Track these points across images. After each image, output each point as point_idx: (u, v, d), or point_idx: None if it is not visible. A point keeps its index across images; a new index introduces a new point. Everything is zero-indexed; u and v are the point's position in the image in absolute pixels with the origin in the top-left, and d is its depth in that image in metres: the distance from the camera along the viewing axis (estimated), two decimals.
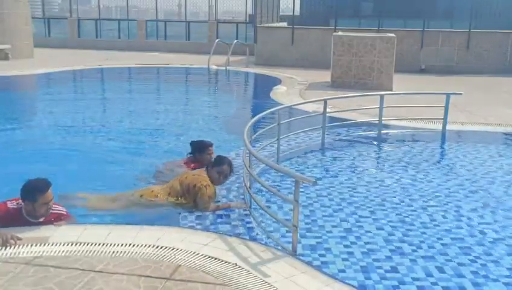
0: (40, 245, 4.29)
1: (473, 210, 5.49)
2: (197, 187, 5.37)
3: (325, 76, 14.27)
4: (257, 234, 4.76)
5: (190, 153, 6.59)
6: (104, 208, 5.46)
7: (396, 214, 5.32)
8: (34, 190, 4.57)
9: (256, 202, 5.04)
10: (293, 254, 4.28)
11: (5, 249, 4.21)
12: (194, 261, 4.08)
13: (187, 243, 4.39)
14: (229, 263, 4.09)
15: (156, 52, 20.95)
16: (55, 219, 4.75)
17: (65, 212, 4.88)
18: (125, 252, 4.21)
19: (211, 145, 6.57)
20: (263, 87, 14.79)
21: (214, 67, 16.86)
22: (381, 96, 8.42)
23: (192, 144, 6.61)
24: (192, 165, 6.40)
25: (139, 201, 5.51)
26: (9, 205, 4.71)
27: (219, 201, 5.59)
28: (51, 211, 4.71)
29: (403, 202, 5.69)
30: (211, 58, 16.83)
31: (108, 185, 6.06)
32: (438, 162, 7.61)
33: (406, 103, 9.05)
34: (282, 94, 12.35)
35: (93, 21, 24.28)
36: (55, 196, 4.78)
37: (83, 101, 12.47)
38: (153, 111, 10.87)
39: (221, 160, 5.73)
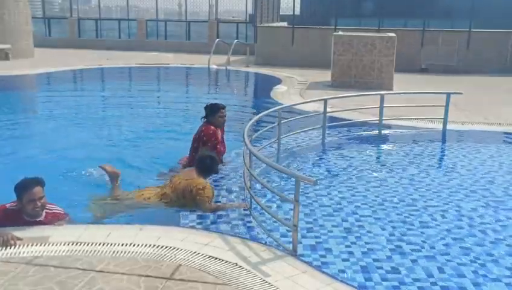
0: (40, 245, 4.29)
1: (474, 209, 5.48)
2: (194, 191, 5.34)
3: (325, 75, 14.26)
4: (257, 233, 4.75)
5: (204, 117, 6.73)
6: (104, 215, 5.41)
7: (397, 214, 5.31)
8: (20, 187, 4.61)
9: (256, 202, 5.04)
10: (294, 253, 4.28)
11: (5, 249, 4.20)
12: (194, 261, 4.07)
13: (187, 243, 4.39)
14: (230, 262, 4.08)
15: (156, 52, 20.94)
16: (53, 219, 4.75)
17: (62, 212, 4.87)
18: (125, 252, 4.21)
19: (223, 107, 6.76)
20: (263, 86, 14.80)
21: (214, 67, 16.86)
22: (382, 96, 8.42)
23: (206, 107, 6.76)
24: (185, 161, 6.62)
25: (132, 202, 5.50)
26: (8, 206, 4.73)
27: (219, 201, 5.59)
28: (47, 211, 4.71)
29: (404, 201, 5.68)
30: (211, 58, 16.83)
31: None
32: (439, 161, 7.61)
33: (406, 102, 9.05)
34: (282, 94, 12.35)
35: (93, 21, 24.28)
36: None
37: (84, 100, 12.46)
38: (153, 111, 10.89)
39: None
